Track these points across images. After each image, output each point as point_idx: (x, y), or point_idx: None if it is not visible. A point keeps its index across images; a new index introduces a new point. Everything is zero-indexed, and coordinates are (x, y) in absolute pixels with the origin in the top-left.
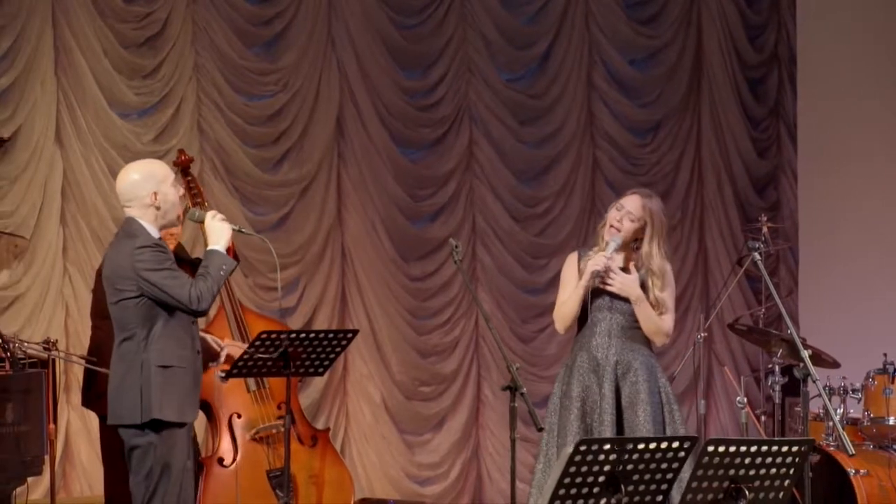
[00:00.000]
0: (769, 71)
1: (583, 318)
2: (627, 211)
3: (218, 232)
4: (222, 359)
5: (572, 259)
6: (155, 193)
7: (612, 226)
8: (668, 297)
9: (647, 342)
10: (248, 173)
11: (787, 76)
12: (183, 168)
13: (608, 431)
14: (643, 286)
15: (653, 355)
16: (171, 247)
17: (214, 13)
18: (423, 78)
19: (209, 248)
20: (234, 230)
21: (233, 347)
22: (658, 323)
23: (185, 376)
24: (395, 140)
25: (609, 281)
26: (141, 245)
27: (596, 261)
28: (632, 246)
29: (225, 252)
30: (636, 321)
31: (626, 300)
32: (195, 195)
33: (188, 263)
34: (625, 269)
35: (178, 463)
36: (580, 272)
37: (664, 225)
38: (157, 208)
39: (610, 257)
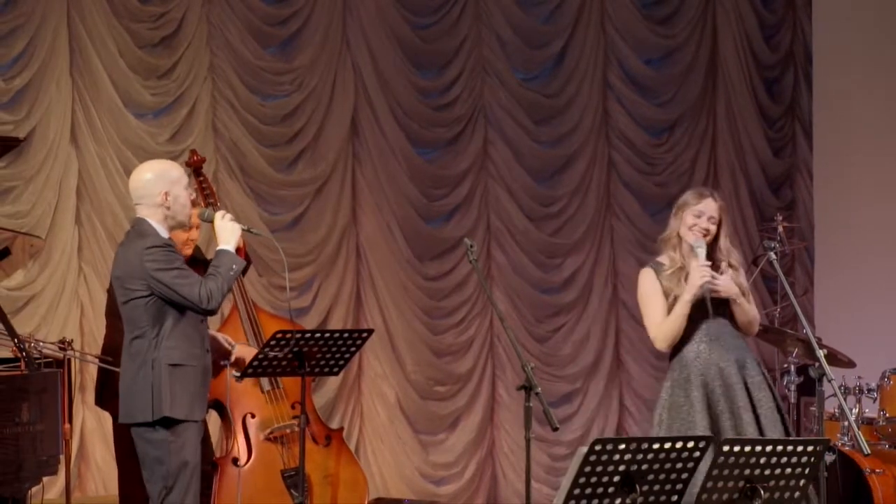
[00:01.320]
0: (785, 70)
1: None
2: (710, 216)
3: (228, 232)
4: (232, 358)
5: (649, 274)
6: (166, 193)
7: (703, 233)
8: (746, 288)
9: (745, 339)
10: (263, 173)
11: (803, 75)
12: (195, 168)
13: (751, 431)
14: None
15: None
16: (189, 251)
17: (230, 13)
18: (438, 77)
19: (219, 247)
20: (243, 230)
21: (244, 349)
22: (754, 313)
23: (195, 375)
24: (410, 140)
25: (714, 286)
26: (150, 245)
27: (701, 273)
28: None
29: (235, 252)
30: (732, 321)
31: (718, 301)
32: (207, 195)
33: (203, 264)
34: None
35: (193, 460)
36: (664, 288)
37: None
38: (167, 209)
39: (707, 264)
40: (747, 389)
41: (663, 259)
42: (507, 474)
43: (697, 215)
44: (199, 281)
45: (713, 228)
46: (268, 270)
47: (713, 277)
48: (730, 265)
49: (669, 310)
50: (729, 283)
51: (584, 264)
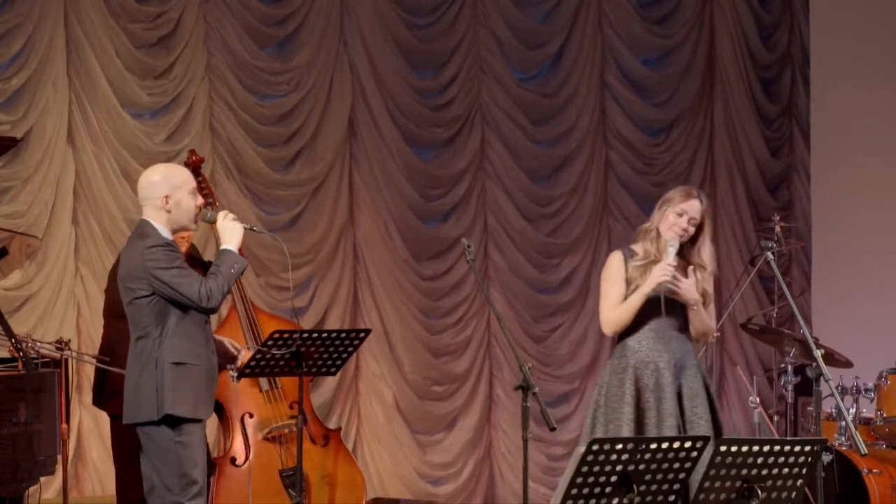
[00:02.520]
0: (782, 70)
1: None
2: (691, 217)
3: (230, 231)
4: (239, 362)
5: (617, 258)
6: (166, 197)
7: (680, 233)
8: (711, 297)
9: (692, 343)
10: (261, 173)
11: (800, 75)
12: (194, 168)
13: (671, 430)
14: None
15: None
16: (184, 248)
17: (227, 13)
18: (435, 77)
19: (222, 247)
20: (246, 229)
21: (250, 354)
22: (708, 324)
23: (200, 374)
24: (408, 140)
25: (674, 286)
26: (152, 244)
27: (662, 271)
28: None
29: (237, 252)
30: (685, 323)
31: (675, 303)
32: (206, 195)
33: (200, 265)
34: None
35: (201, 459)
36: (629, 276)
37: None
38: (168, 212)
39: (673, 264)
40: (679, 396)
41: (637, 248)
42: (505, 474)
43: (679, 214)
44: (199, 280)
45: (692, 230)
46: (265, 271)
47: (675, 279)
48: (701, 267)
49: (626, 298)
50: (690, 289)
51: (581, 264)
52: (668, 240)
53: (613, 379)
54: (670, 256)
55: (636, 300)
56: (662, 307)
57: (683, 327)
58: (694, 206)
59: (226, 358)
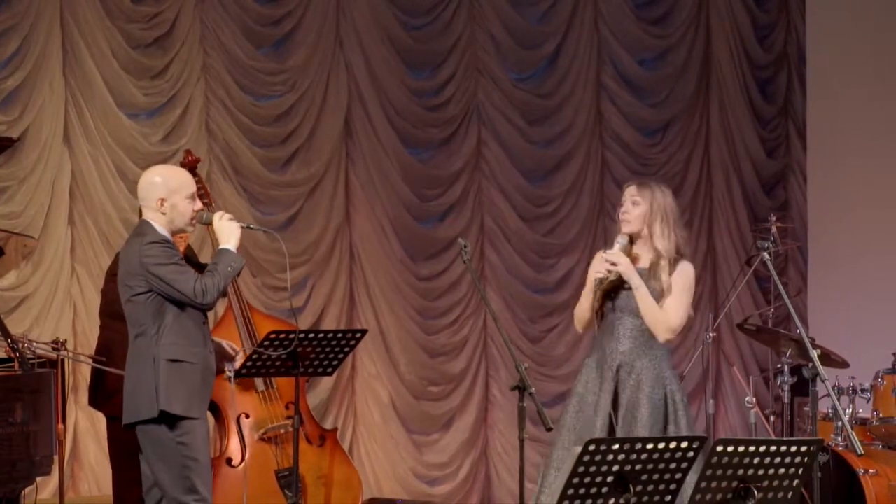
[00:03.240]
0: (778, 70)
1: (601, 319)
2: (630, 202)
3: (227, 231)
4: (237, 364)
5: (597, 258)
6: (161, 200)
7: (623, 220)
8: (676, 288)
9: (655, 346)
10: (257, 173)
11: (797, 75)
12: (190, 168)
13: (598, 432)
14: (649, 272)
15: (664, 359)
16: (181, 248)
17: (223, 13)
18: (431, 78)
19: (220, 246)
20: (242, 227)
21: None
22: (657, 315)
23: (195, 372)
24: (404, 140)
25: (612, 264)
26: (149, 241)
27: (595, 268)
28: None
29: (235, 251)
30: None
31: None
32: (202, 196)
33: (196, 266)
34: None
35: (204, 458)
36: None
37: (668, 209)
38: (164, 214)
39: (614, 252)
40: (616, 397)
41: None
42: (501, 474)
43: (621, 204)
44: (195, 276)
45: (634, 211)
46: (261, 271)
47: (610, 263)
48: (658, 254)
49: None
50: (630, 267)
51: (577, 265)
52: (617, 237)
53: (580, 375)
54: (615, 248)
55: (585, 297)
56: (615, 303)
57: (646, 327)
58: (628, 190)
59: (223, 359)
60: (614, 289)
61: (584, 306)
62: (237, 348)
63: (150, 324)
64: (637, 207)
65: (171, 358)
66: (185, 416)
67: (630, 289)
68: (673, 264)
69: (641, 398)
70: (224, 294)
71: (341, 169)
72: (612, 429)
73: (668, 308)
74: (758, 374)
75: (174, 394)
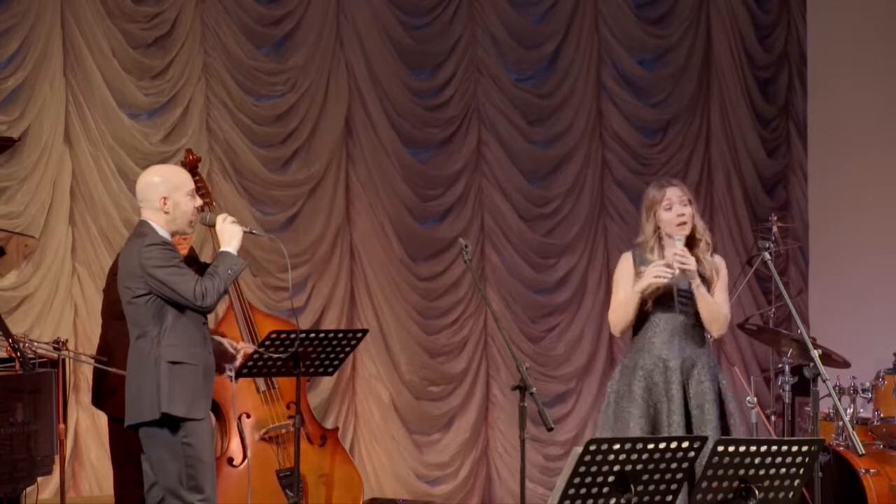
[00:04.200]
0: (779, 70)
1: (639, 320)
2: (680, 201)
3: (230, 234)
4: (238, 362)
5: (627, 259)
6: (164, 198)
7: (682, 222)
8: (721, 283)
9: (705, 342)
10: (257, 173)
11: (798, 75)
12: (191, 168)
13: (678, 431)
14: (701, 275)
15: (712, 353)
16: (184, 251)
17: (223, 13)
18: (431, 78)
19: (221, 248)
20: (245, 231)
21: (249, 348)
22: (715, 308)
23: (196, 373)
24: (404, 140)
25: (683, 261)
26: (149, 243)
27: (655, 271)
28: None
29: (236, 254)
30: (698, 320)
31: (689, 299)
32: (203, 195)
33: (197, 266)
34: None
35: (208, 458)
36: (637, 273)
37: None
38: (166, 213)
39: (685, 253)
40: (685, 393)
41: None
42: (502, 474)
43: (668, 207)
44: (195, 278)
45: (689, 210)
46: (262, 271)
47: (673, 267)
48: (703, 244)
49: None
50: (693, 262)
51: (577, 265)
52: (675, 238)
53: (623, 378)
54: (678, 248)
55: (631, 299)
56: (675, 303)
57: (696, 325)
58: (674, 192)
59: (224, 358)
60: (659, 288)
61: (630, 310)
62: (238, 346)
63: (150, 326)
64: (688, 207)
65: (173, 360)
66: (188, 417)
67: (682, 287)
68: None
69: (707, 394)
70: (225, 293)
71: (342, 169)
72: (689, 427)
73: (721, 303)
74: (759, 374)
75: (176, 396)
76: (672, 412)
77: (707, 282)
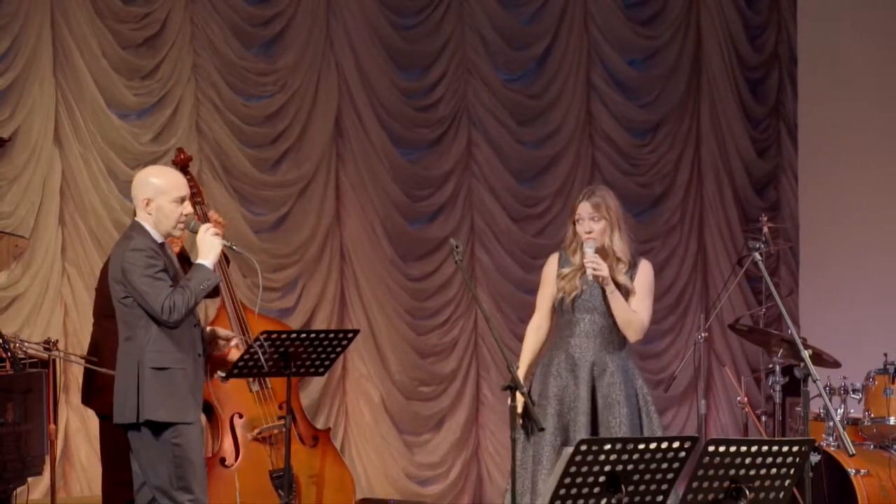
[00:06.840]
0: (769, 71)
1: (561, 319)
2: (588, 218)
3: (208, 247)
4: (233, 343)
5: (553, 260)
6: (147, 200)
7: (588, 238)
8: (642, 289)
9: (625, 344)
10: (247, 173)
11: (788, 76)
12: (181, 166)
13: (582, 433)
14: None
15: (629, 357)
16: (177, 249)
17: (213, 13)
18: (421, 78)
19: (197, 261)
20: (225, 246)
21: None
22: (631, 316)
23: (183, 379)
24: (394, 140)
25: (595, 267)
26: (133, 248)
27: (590, 264)
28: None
29: (211, 268)
30: (616, 323)
31: (606, 303)
32: (194, 194)
33: (188, 263)
34: None
35: (197, 459)
36: (559, 275)
37: (620, 215)
38: (150, 215)
39: (596, 258)
40: (594, 393)
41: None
42: (493, 474)
43: (577, 221)
44: (167, 291)
45: (596, 226)
46: (252, 271)
47: (594, 269)
48: (617, 259)
49: (554, 304)
50: (607, 272)
51: None
52: (587, 245)
53: (541, 372)
54: (588, 255)
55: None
56: (568, 301)
57: (614, 327)
58: (584, 208)
59: (214, 346)
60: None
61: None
62: (231, 334)
63: (139, 328)
64: (598, 223)
65: (157, 366)
66: (175, 421)
67: (594, 288)
68: (633, 266)
69: (618, 395)
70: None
71: (331, 169)
72: (595, 427)
73: (637, 309)
74: (749, 374)
75: (161, 402)
76: (578, 413)
77: (624, 289)
